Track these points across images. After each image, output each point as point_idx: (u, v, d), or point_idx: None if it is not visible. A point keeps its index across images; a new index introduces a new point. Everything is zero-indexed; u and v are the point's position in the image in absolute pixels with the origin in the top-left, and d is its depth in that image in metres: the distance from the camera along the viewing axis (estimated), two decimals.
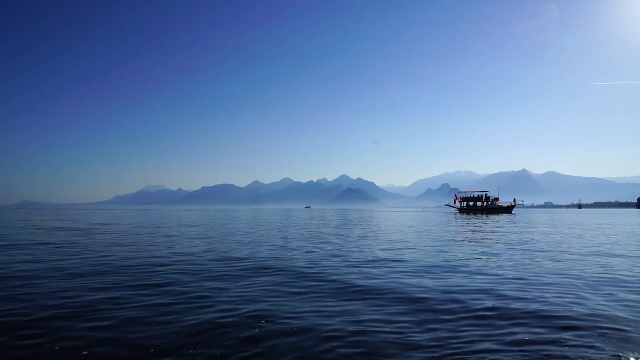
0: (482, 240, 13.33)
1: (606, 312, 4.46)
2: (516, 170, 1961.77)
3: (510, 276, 6.61)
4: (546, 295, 5.28)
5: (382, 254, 9.47)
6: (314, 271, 7.07)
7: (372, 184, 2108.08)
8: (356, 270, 7.22)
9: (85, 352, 3.32)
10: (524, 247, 11.36)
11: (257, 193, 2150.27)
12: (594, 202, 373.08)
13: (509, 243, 12.39)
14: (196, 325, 3.95)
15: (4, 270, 7.12)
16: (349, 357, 3.25)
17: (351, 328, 3.88)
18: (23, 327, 3.93)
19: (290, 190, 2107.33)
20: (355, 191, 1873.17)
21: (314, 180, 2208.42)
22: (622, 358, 3.23)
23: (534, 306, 4.70)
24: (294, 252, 9.88)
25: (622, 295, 5.33)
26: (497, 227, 21.85)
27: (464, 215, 44.30)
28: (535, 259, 8.76)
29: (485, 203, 59.56)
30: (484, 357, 3.23)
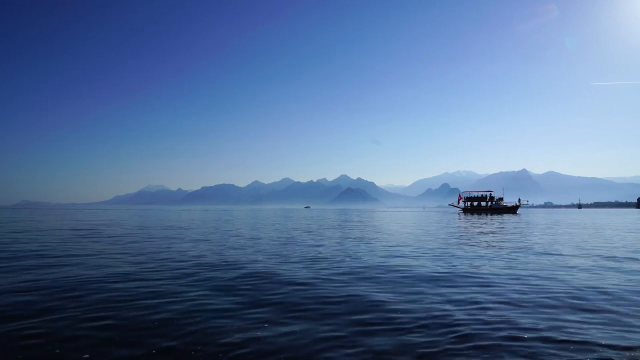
0: (503, 246, 12.15)
1: None
2: (516, 170, 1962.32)
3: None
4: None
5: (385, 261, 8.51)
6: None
7: (372, 184, 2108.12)
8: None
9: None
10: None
11: (257, 193, 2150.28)
12: (594, 202, 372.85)
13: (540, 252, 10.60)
14: None
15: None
16: None
17: None
18: None
19: (290, 190, 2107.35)
20: (355, 191, 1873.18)
21: (314, 180, 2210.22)
22: None
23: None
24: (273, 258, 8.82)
25: None
26: (514, 228, 21.32)
27: (468, 216, 43.88)
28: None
29: (489, 203, 59.10)
30: None
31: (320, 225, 22.81)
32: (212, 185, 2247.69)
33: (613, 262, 8.25)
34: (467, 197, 62.37)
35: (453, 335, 3.65)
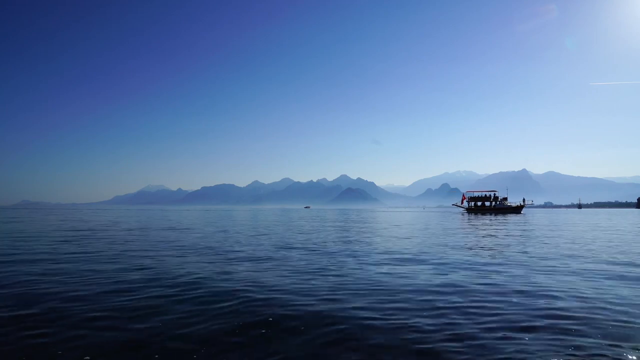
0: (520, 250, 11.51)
1: None
2: (516, 170, 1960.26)
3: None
4: None
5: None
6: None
7: (372, 184, 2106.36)
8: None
9: None
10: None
11: (257, 193, 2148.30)
12: (594, 202, 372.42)
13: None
14: None
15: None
16: None
17: None
18: None
19: (290, 190, 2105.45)
20: (355, 191, 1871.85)
21: (314, 180, 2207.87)
22: None
23: None
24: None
25: None
26: (522, 230, 21.75)
27: (472, 216, 44.25)
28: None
29: (493, 203, 59.43)
30: None
31: (314, 230, 20.06)
32: (212, 185, 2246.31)
33: None
34: (470, 197, 62.56)
35: None
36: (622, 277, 6.64)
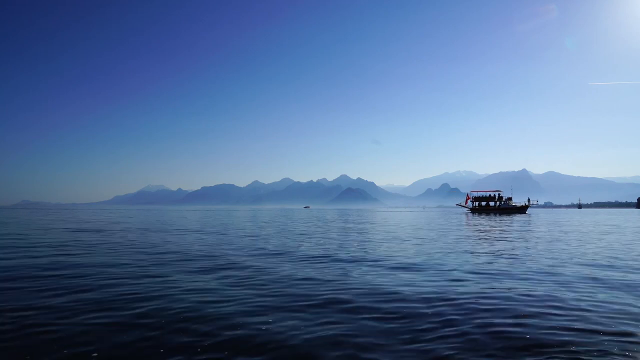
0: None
1: None
2: (516, 170, 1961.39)
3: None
4: None
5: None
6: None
7: (372, 184, 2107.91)
8: None
9: None
10: None
11: (257, 193, 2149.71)
12: (594, 202, 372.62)
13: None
14: None
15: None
16: None
17: None
18: None
19: (290, 190, 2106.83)
20: (355, 191, 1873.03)
21: (314, 180, 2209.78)
22: None
23: None
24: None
25: None
26: (533, 231, 21.26)
27: (477, 216, 43.79)
28: None
29: (498, 203, 58.95)
30: None
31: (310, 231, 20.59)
32: (212, 185, 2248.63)
33: None
34: (475, 197, 62.04)
35: None
36: None
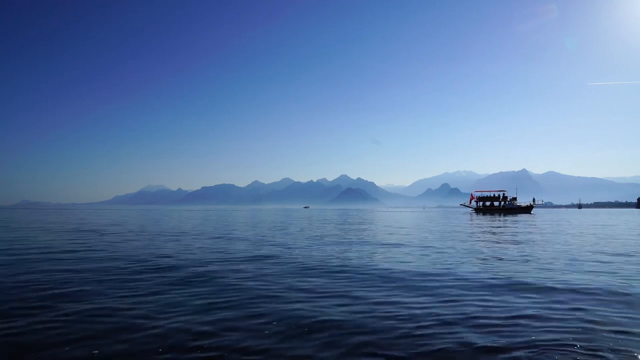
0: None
1: None
2: (516, 170, 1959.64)
3: None
4: None
5: None
6: None
7: (372, 184, 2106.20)
8: None
9: None
10: None
11: (257, 193, 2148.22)
12: (594, 202, 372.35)
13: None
14: None
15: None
16: None
17: None
18: None
19: (290, 190, 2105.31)
20: (355, 191, 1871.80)
21: (314, 180, 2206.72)
22: None
23: None
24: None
25: None
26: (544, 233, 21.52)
27: (481, 216, 44.05)
28: None
29: (502, 203, 59.19)
30: None
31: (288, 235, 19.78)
32: (212, 185, 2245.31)
33: None
34: (479, 197, 62.23)
35: None
36: None
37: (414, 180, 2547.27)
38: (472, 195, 62.98)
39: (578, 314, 4.47)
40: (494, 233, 17.14)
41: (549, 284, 6.01)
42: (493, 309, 4.68)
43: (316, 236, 15.39)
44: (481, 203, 61.28)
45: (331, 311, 4.58)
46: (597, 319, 4.27)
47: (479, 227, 21.92)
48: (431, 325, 4.10)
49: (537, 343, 3.59)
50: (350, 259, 8.83)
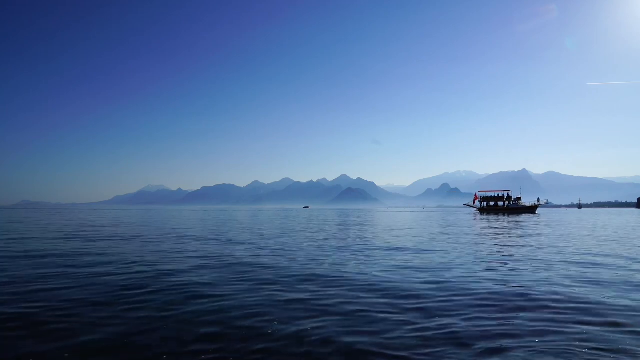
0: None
1: None
2: (516, 170, 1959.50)
3: None
4: None
5: None
6: None
7: (372, 184, 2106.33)
8: None
9: None
10: None
11: (257, 193, 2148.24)
12: (594, 202, 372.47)
13: None
14: None
15: None
16: None
17: None
18: None
19: (290, 190, 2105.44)
20: (355, 191, 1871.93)
21: (314, 180, 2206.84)
22: None
23: None
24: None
25: None
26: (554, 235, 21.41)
27: (485, 216, 43.94)
28: None
29: (507, 203, 59.12)
30: None
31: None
32: (212, 185, 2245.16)
33: None
34: (483, 197, 62.08)
35: None
36: None
37: (414, 180, 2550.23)
38: (476, 195, 62.88)
39: None
40: (521, 246, 17.00)
41: None
42: None
43: (321, 239, 15.33)
44: (485, 203, 61.15)
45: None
46: None
47: (498, 232, 21.79)
48: None
49: None
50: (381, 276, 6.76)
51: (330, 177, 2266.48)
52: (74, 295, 5.30)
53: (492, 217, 38.35)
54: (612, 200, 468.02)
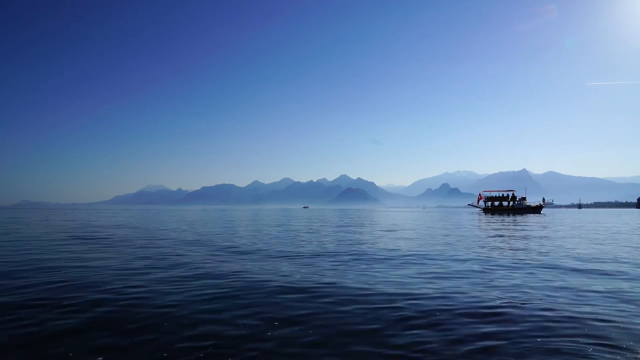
0: None
1: None
2: (516, 170, 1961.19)
3: None
4: None
5: None
6: None
7: (372, 184, 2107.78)
8: None
9: None
10: None
11: (257, 193, 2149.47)
12: (594, 202, 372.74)
13: None
14: None
15: None
16: None
17: None
18: None
19: (290, 190, 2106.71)
20: (355, 191, 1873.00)
21: (314, 180, 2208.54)
22: None
23: None
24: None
25: None
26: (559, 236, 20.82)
27: (490, 216, 43.42)
28: None
29: (511, 203, 58.51)
30: None
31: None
32: (212, 185, 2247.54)
33: None
34: (487, 197, 61.52)
35: None
36: None
37: (414, 180, 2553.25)
38: (480, 195, 62.36)
39: None
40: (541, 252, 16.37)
41: None
42: None
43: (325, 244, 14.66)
44: (489, 203, 60.59)
45: None
46: None
47: (516, 236, 21.12)
48: None
49: None
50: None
51: (330, 177, 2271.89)
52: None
53: (501, 218, 37.55)
54: (612, 200, 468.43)
